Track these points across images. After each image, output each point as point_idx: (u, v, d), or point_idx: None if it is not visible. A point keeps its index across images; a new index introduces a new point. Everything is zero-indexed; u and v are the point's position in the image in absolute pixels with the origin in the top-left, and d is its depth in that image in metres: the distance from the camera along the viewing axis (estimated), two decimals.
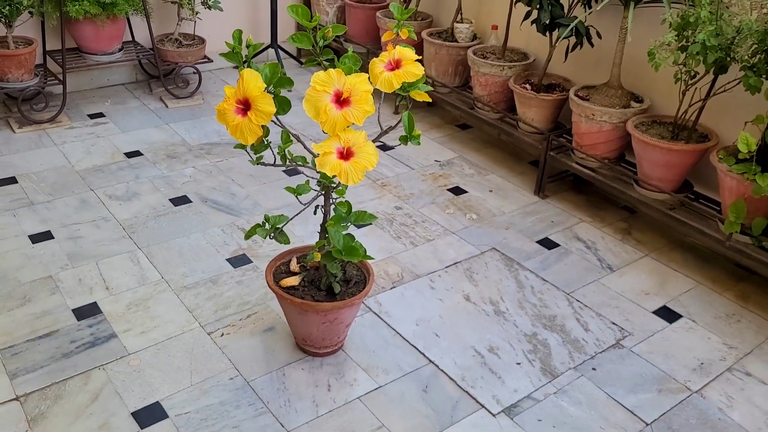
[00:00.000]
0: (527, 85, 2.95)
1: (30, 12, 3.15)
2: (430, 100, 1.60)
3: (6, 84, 3.15)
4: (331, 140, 1.44)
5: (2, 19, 3.06)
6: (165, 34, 3.68)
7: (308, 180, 1.81)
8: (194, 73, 3.70)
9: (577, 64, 3.01)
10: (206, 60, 3.69)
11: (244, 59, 1.63)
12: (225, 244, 2.52)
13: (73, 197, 2.74)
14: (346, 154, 1.43)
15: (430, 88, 1.60)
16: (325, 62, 1.62)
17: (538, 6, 2.71)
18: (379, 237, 2.63)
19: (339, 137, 1.43)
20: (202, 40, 3.69)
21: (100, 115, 3.45)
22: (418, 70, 1.51)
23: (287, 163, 1.66)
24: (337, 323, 1.93)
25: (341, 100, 1.42)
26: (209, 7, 3.56)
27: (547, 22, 2.71)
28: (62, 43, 3.21)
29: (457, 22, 3.34)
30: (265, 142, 1.60)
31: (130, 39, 3.64)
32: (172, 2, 3.54)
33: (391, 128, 1.70)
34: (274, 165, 1.68)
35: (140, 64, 3.78)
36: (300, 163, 1.71)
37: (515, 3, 2.86)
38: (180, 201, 2.77)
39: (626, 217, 2.85)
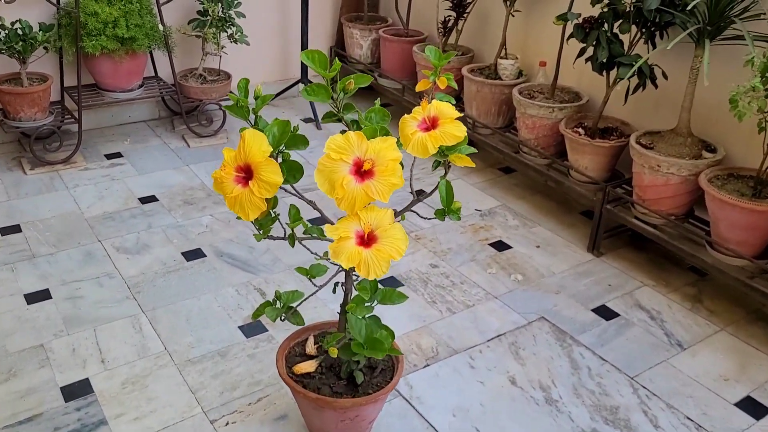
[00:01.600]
0: (580, 129, 2.64)
1: (45, 47, 2.96)
2: (473, 165, 1.31)
3: (19, 123, 2.97)
4: (349, 221, 1.16)
5: (15, 55, 2.88)
6: (189, 69, 3.47)
7: (325, 252, 1.53)
8: (219, 109, 3.48)
9: (637, 105, 2.69)
10: None
11: (251, 113, 1.37)
12: (238, 307, 2.25)
13: (78, 249, 2.50)
14: (367, 240, 1.15)
15: (473, 150, 1.31)
16: (347, 118, 1.34)
17: (594, 42, 2.40)
18: (412, 301, 2.32)
19: (359, 217, 1.15)
20: (228, 76, 3.47)
21: (118, 155, 3.24)
22: (459, 131, 1.22)
23: (295, 243, 1.38)
24: (359, 420, 1.63)
25: (362, 171, 1.14)
26: (235, 41, 3.35)
27: (605, 60, 2.40)
28: (78, 79, 3.02)
29: (501, 57, 3.05)
30: (272, 215, 1.32)
31: (153, 74, 3.44)
32: (196, 36, 3.34)
33: (425, 195, 1.41)
34: (284, 239, 1.40)
35: (163, 101, 3.58)
36: (315, 235, 1.43)
37: (567, 39, 2.56)
38: (193, 255, 2.51)
39: (695, 280, 2.49)
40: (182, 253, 2.52)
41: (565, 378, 2.01)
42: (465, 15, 3.23)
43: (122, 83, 3.19)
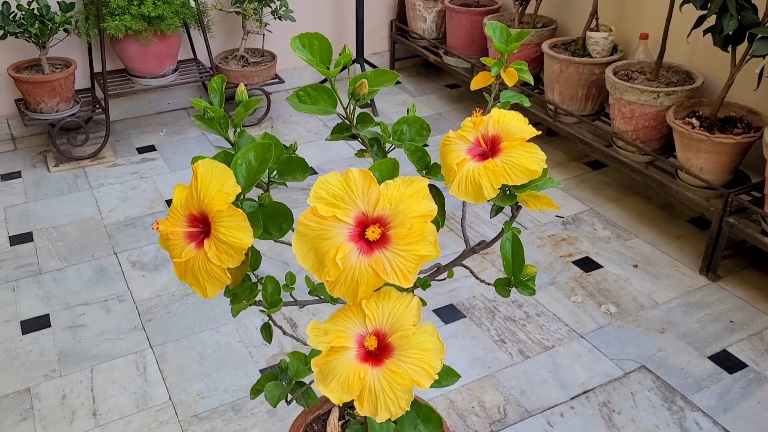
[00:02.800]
0: (694, 120, 2.08)
1: (65, 30, 2.63)
2: (558, 209, 0.84)
3: (40, 114, 2.66)
4: (347, 318, 0.71)
5: (33, 39, 2.56)
6: (229, 51, 3.09)
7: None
8: (263, 95, 3.09)
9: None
10: (277, 80, 3.07)
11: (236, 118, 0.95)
12: (262, 344, 1.86)
13: (89, 264, 2.17)
14: (376, 352, 0.70)
15: (557, 183, 0.84)
16: (364, 134, 0.89)
17: (718, 9, 1.84)
18: (475, 338, 1.87)
19: (363, 312, 0.71)
20: (273, 57, 3.07)
21: (151, 148, 2.90)
22: (534, 162, 0.75)
23: (272, 335, 0.95)
24: None
25: (369, 238, 0.69)
26: (279, 18, 2.93)
27: (732, 32, 1.84)
28: (102, 65, 2.68)
29: (592, 29, 2.50)
30: (252, 280, 0.89)
31: (192, 57, 3.08)
32: (236, 13, 2.94)
33: (484, 245, 0.95)
34: (271, 339, 0.97)
35: (204, 86, 3.22)
36: (324, 297, 0.99)
37: (681, 6, 2.00)
38: None
39: None
40: None
41: None
42: None
43: (153, 68, 2.83)
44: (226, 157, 0.86)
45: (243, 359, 1.81)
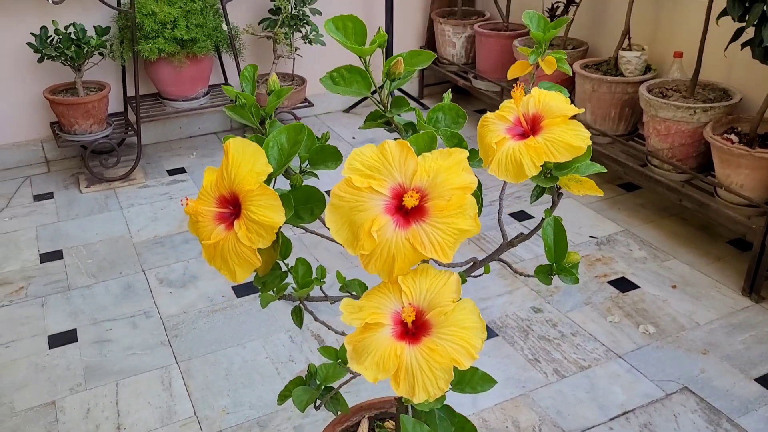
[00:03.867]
0: (733, 136, 2.03)
1: (101, 53, 2.68)
2: (601, 194, 0.80)
3: (74, 136, 2.70)
4: (382, 295, 0.68)
5: (68, 62, 2.61)
6: (260, 75, 3.12)
7: None
8: (293, 118, 3.10)
9: None
10: (307, 104, 3.09)
11: (263, 116, 0.93)
12: (290, 360, 1.82)
13: (117, 281, 2.17)
14: (414, 330, 0.67)
15: (599, 168, 0.80)
16: (399, 120, 0.86)
17: (757, 21, 1.80)
18: (508, 358, 1.81)
19: (399, 289, 0.67)
20: (302, 81, 3.09)
21: (181, 170, 2.92)
22: (577, 138, 0.72)
23: (304, 318, 0.92)
24: None
25: (407, 209, 0.66)
26: (310, 42, 2.96)
27: None
28: (135, 88, 2.72)
29: (624, 49, 2.48)
30: (282, 268, 0.86)
31: (223, 81, 3.12)
32: (267, 37, 2.98)
33: (522, 237, 0.91)
34: (302, 325, 0.94)
35: None
36: (356, 293, 0.95)
37: (717, 19, 1.97)
38: (246, 290, 2.11)
39: None
40: (233, 288, 2.12)
41: None
42: (577, 0, 2.68)
43: (185, 91, 2.87)
44: (257, 142, 0.84)
45: (270, 375, 1.77)
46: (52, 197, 2.70)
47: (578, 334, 1.89)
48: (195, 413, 1.65)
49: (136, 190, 2.76)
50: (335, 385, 1.12)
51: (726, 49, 2.00)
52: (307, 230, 0.90)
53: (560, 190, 0.82)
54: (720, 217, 2.10)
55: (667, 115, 2.17)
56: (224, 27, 2.77)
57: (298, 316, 0.89)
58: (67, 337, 1.92)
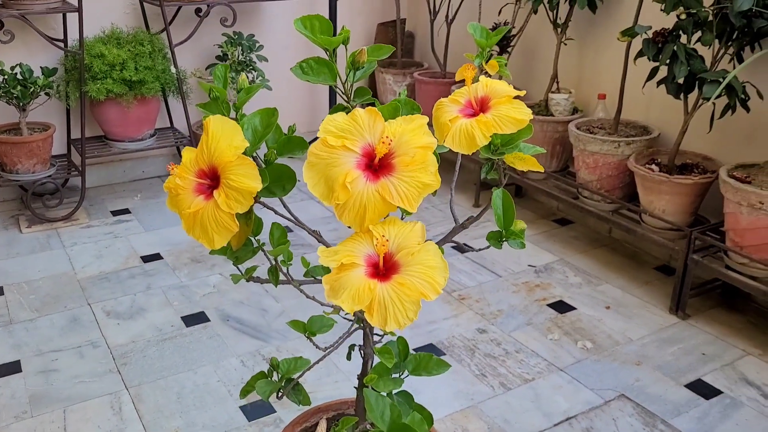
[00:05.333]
0: (654, 166, 2.21)
1: (47, 93, 2.70)
2: (542, 169, 0.90)
3: (15, 176, 2.68)
4: (356, 240, 0.76)
5: (13, 101, 2.61)
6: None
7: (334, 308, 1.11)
8: None
9: (722, 136, 2.26)
10: None
11: (233, 112, 1.00)
12: (242, 382, 1.83)
13: (62, 314, 2.14)
14: (384, 269, 0.74)
15: (539, 149, 0.91)
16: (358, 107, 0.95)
17: (669, 59, 2.01)
18: (456, 373, 1.87)
19: (371, 234, 0.75)
20: None
21: (125, 211, 2.91)
22: (520, 113, 0.83)
23: (282, 281, 0.97)
24: None
25: (376, 165, 0.74)
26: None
27: (683, 79, 2.00)
28: (81, 128, 2.74)
29: (553, 92, 2.68)
30: (255, 243, 0.92)
31: (169, 125, 3.17)
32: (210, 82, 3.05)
33: (472, 219, 1.00)
34: (278, 282, 1.00)
35: (179, 152, 3.28)
36: (321, 277, 1.02)
37: (635, 58, 2.18)
38: (194, 319, 2.12)
39: None
40: (182, 318, 2.13)
41: None
42: (509, 49, 2.89)
43: (131, 132, 2.90)
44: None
45: (222, 397, 1.77)
46: None
47: (522, 351, 1.98)
48: None
49: (80, 230, 2.74)
50: (296, 376, 1.16)
51: (644, 86, 2.20)
52: (276, 212, 0.96)
53: (505, 170, 0.92)
54: (645, 242, 2.26)
55: (594, 148, 2.34)
56: (172, 70, 2.84)
57: (274, 274, 0.95)
58: (10, 369, 1.88)
